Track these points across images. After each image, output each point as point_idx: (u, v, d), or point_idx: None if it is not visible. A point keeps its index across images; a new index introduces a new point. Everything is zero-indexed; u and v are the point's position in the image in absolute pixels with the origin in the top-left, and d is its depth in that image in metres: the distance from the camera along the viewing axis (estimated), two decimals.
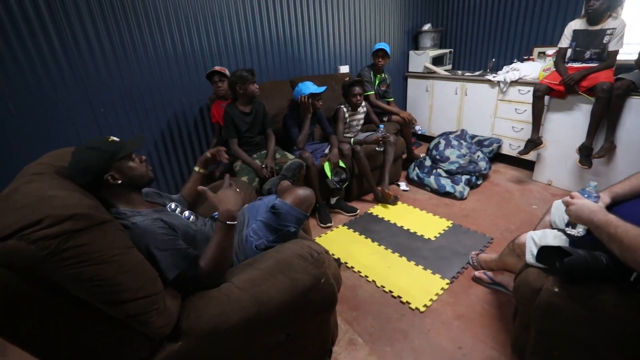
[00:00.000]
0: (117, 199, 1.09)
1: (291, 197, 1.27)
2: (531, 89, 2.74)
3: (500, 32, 3.37)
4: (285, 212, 1.25)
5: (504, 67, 3.00)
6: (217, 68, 2.34)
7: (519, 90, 2.86)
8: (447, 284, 1.78)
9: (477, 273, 1.79)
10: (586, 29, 2.34)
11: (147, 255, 0.98)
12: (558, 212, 1.50)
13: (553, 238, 1.26)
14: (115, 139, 1.09)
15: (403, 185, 2.84)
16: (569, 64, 2.47)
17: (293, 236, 1.30)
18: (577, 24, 2.40)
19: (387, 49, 2.79)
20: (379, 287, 1.80)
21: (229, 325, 0.99)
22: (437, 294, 1.72)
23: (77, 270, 0.76)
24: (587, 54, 2.37)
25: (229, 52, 2.68)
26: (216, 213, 1.46)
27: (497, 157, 3.18)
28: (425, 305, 1.65)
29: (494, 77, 2.99)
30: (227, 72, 2.37)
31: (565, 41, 2.45)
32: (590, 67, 2.32)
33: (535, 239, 1.30)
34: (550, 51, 2.77)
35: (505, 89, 2.93)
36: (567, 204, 1.18)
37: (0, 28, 1.88)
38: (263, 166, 2.08)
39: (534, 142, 2.59)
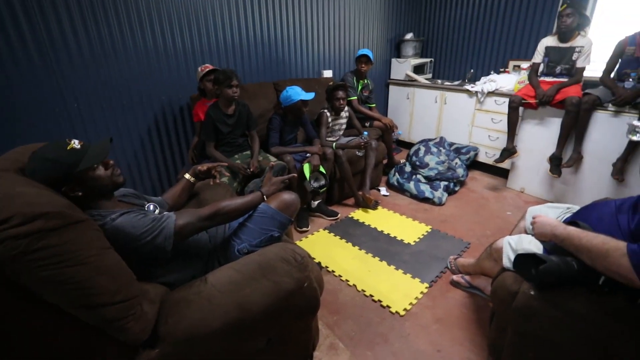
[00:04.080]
0: (87, 201, 1.03)
1: (276, 202, 1.26)
2: (507, 99, 2.87)
3: (478, 45, 3.51)
4: (270, 216, 1.23)
5: (482, 78, 3.12)
6: (209, 66, 2.28)
7: (495, 100, 2.98)
8: (426, 287, 1.81)
9: (455, 277, 1.83)
10: (557, 45, 2.48)
11: (133, 246, 0.96)
12: (531, 218, 1.57)
13: (528, 243, 1.31)
14: (75, 145, 0.97)
15: (383, 190, 2.87)
16: (541, 78, 2.60)
17: (276, 241, 1.28)
18: (549, 40, 2.53)
19: (370, 55, 2.83)
20: (359, 291, 1.80)
21: (209, 331, 0.96)
22: (416, 298, 1.74)
23: (49, 272, 0.72)
24: (558, 69, 2.51)
25: (212, 51, 2.63)
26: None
27: (474, 164, 3.29)
28: (405, 309, 1.67)
29: (472, 87, 3.10)
30: None
31: (538, 57, 2.58)
32: (561, 81, 2.45)
33: (512, 244, 1.35)
34: (525, 65, 2.91)
35: (482, 99, 3.04)
36: (532, 224, 1.25)
37: None
38: (247, 168, 2.06)
39: (509, 151, 2.70)
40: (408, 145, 3.73)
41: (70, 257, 0.75)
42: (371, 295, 1.76)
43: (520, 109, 2.63)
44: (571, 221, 1.23)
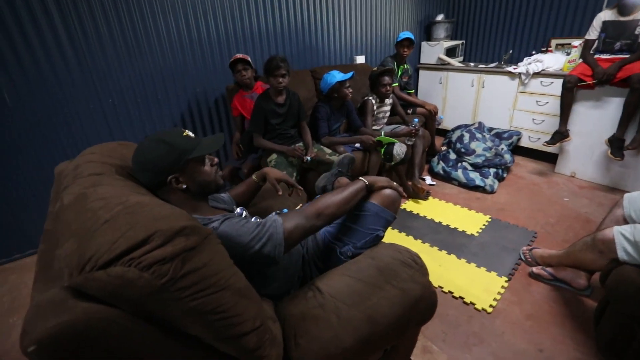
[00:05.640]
0: (182, 204, 0.91)
1: (379, 198, 1.12)
2: (555, 80, 2.74)
3: (515, 24, 3.34)
4: (374, 214, 1.10)
5: (525, 58, 2.96)
6: (239, 55, 2.13)
7: (541, 82, 2.83)
8: (505, 281, 1.70)
9: (535, 269, 1.72)
10: (617, 19, 2.32)
11: (240, 257, 0.82)
12: (632, 205, 1.45)
13: None
14: (190, 134, 0.91)
15: (429, 180, 2.75)
16: (597, 56, 2.46)
17: (379, 241, 1.15)
18: (606, 14, 2.38)
19: (413, 37, 2.67)
20: (437, 288, 1.68)
21: (342, 350, 0.84)
22: (499, 293, 1.63)
23: (198, 302, 0.59)
24: (617, 45, 2.36)
25: (247, 40, 2.46)
26: (271, 215, 1.30)
27: (515, 149, 3.16)
28: (491, 306, 1.56)
29: (514, 68, 2.95)
30: (250, 59, 2.17)
31: (593, 32, 2.43)
32: (622, 58, 2.31)
33: (627, 235, 1.24)
34: (576, 42, 2.75)
35: (527, 81, 2.90)
36: None
37: None
38: (304, 154, 1.95)
39: (561, 134, 2.57)
40: (441, 131, 3.59)
41: (215, 281, 0.63)
42: (450, 292, 1.65)
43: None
44: None
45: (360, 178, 1.10)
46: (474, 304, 1.58)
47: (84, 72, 1.91)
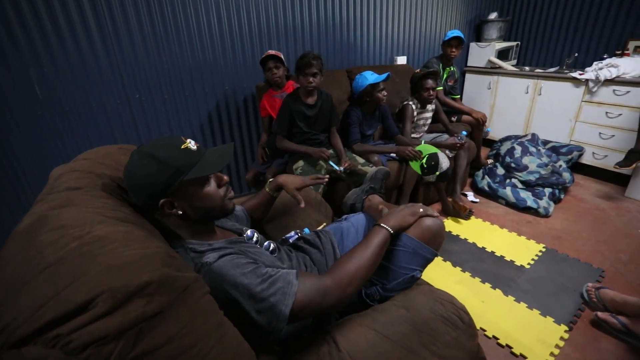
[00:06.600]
0: (179, 228, 0.76)
1: (418, 230, 0.91)
2: (632, 89, 2.35)
3: (583, 24, 2.93)
4: (412, 250, 0.89)
5: (594, 62, 2.57)
6: (271, 52, 1.98)
7: (614, 90, 2.44)
8: (565, 331, 1.41)
9: (601, 315, 1.41)
10: None
11: (234, 301, 0.66)
12: None
13: None
14: (191, 145, 0.73)
15: (471, 196, 2.45)
16: None
17: (414, 282, 0.94)
18: None
19: (463, 37, 2.39)
20: (478, 330, 1.43)
21: None
22: (557, 346, 1.35)
23: None
24: None
25: (280, 35, 2.32)
26: (290, 234, 1.13)
27: (574, 167, 2.76)
28: None
29: (580, 74, 2.56)
30: (282, 57, 2.02)
31: None
32: None
33: None
34: None
35: (595, 89, 2.51)
36: None
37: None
38: (336, 166, 1.75)
39: (638, 153, 2.18)
40: (487, 142, 3.24)
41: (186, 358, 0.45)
42: (495, 337, 1.39)
43: None
44: None
45: (383, 225, 0.86)
46: (525, 358, 1.31)
47: (112, 65, 1.85)
